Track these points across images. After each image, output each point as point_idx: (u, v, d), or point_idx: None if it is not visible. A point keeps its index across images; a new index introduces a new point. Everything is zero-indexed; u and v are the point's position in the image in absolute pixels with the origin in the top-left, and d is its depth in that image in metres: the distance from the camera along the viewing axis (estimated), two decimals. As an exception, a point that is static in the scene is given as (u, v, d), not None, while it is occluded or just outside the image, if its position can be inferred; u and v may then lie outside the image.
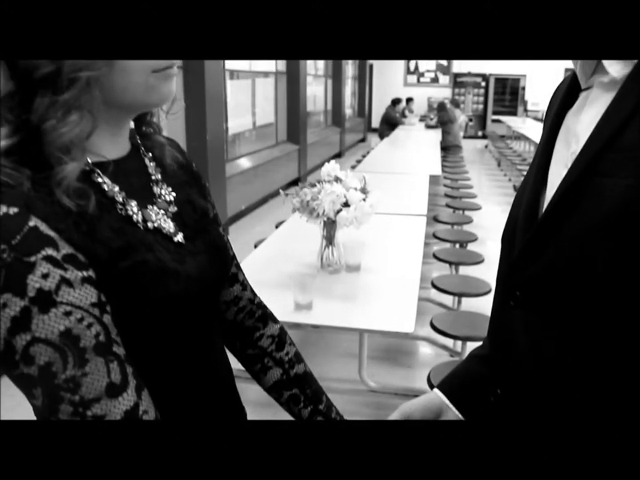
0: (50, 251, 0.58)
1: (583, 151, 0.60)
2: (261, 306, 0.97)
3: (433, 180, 5.53)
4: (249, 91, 7.52)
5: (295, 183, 8.52)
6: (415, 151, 7.52)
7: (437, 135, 9.53)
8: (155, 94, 0.71)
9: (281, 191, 2.39)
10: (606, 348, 0.59)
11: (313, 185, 2.27)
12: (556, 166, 0.68)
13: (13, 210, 0.57)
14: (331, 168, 2.32)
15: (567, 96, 0.71)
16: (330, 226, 2.31)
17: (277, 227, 3.79)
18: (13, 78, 0.61)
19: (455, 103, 11.07)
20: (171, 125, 0.85)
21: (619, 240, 0.55)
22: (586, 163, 0.59)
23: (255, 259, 2.64)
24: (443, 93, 16.16)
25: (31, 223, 0.58)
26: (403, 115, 12.46)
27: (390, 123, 11.26)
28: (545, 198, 0.68)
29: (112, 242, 0.65)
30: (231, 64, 6.54)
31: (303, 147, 9.04)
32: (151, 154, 0.81)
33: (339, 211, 2.21)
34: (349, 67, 13.98)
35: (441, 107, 10.13)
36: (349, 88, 14.05)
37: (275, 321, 0.98)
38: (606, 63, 0.60)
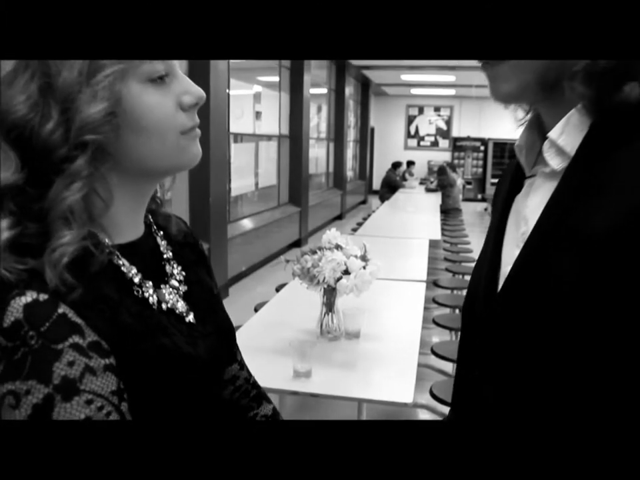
0: (76, 339, 0.58)
1: (533, 232, 0.66)
2: (256, 385, 0.97)
3: (433, 244, 5.57)
4: (252, 154, 7.66)
5: (296, 244, 8.58)
6: (415, 215, 7.60)
7: (437, 198, 9.65)
8: (187, 155, 0.72)
9: (282, 257, 2.42)
10: (566, 419, 0.62)
11: (314, 252, 2.30)
12: (508, 245, 0.74)
13: (43, 297, 0.58)
14: (332, 235, 2.35)
15: (513, 182, 0.78)
16: (330, 293, 2.33)
17: (277, 290, 3.80)
18: (25, 167, 0.62)
19: (452, 167, 11.23)
20: (175, 186, 0.89)
21: (569, 314, 0.59)
22: (536, 244, 0.65)
23: (255, 324, 2.65)
24: (442, 156, 16.42)
25: (60, 310, 0.58)
26: (404, 178, 12.64)
27: (390, 186, 11.41)
28: (501, 275, 0.73)
29: (131, 328, 0.65)
30: (235, 128, 6.68)
31: (304, 208, 9.13)
32: (161, 232, 0.83)
33: (339, 279, 2.23)
34: (351, 131, 14.26)
35: (441, 170, 10.30)
36: (350, 151, 14.29)
37: (269, 401, 0.98)
38: (547, 156, 0.67)
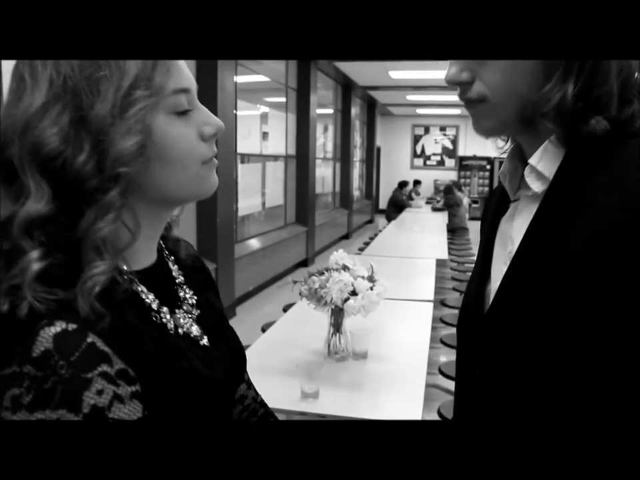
0: (105, 367, 0.59)
1: (518, 251, 0.71)
2: (263, 404, 0.98)
3: (440, 263, 5.57)
4: (259, 174, 7.70)
5: (302, 264, 8.58)
6: (421, 234, 7.60)
7: (443, 217, 9.65)
8: (206, 184, 0.74)
9: (289, 277, 2.43)
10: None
11: (321, 273, 2.31)
12: (496, 264, 0.80)
13: (72, 326, 0.58)
14: (339, 256, 2.37)
15: (499, 204, 0.85)
16: (337, 314, 2.33)
17: (284, 310, 3.81)
18: (56, 199, 0.63)
19: (459, 186, 11.24)
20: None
21: (554, 328, 0.63)
22: (521, 262, 0.70)
23: (262, 344, 2.65)
24: (449, 175, 16.46)
25: (89, 340, 0.59)
26: (410, 198, 12.66)
27: (397, 205, 11.44)
28: (490, 291, 0.78)
29: (153, 354, 0.66)
30: (242, 148, 6.73)
31: (311, 228, 9.15)
32: (172, 257, 0.84)
33: (346, 300, 2.24)
34: (357, 150, 14.32)
35: (448, 189, 10.31)
36: (356, 170, 14.33)
37: (276, 419, 0.99)
38: (528, 180, 0.73)
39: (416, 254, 5.71)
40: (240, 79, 6.50)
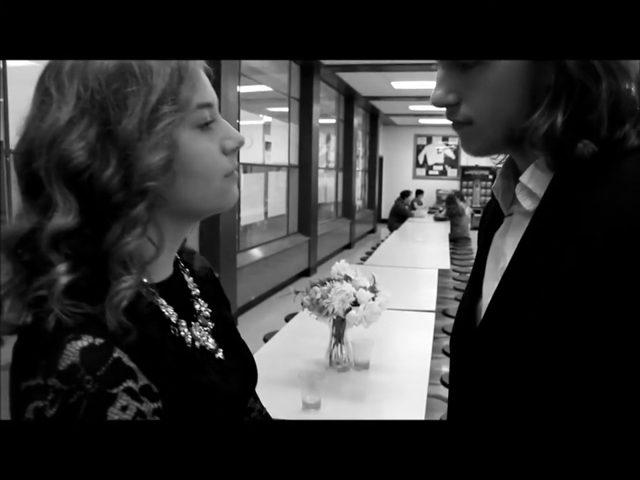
0: (130, 383, 0.59)
1: (509, 267, 0.71)
2: (268, 417, 0.99)
3: (442, 272, 5.56)
4: (261, 184, 7.72)
5: (305, 273, 8.58)
6: (424, 244, 7.60)
7: (445, 227, 9.65)
8: (229, 196, 0.74)
9: (290, 288, 2.43)
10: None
11: (323, 283, 2.31)
12: (488, 279, 0.79)
13: (99, 341, 0.58)
14: (341, 267, 2.37)
15: (493, 219, 0.84)
16: (339, 324, 2.33)
17: (286, 320, 3.80)
18: (82, 212, 0.63)
19: (461, 196, 11.24)
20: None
21: (544, 346, 0.63)
22: (512, 278, 0.69)
23: (264, 355, 2.65)
24: (451, 185, 16.47)
25: (115, 355, 0.59)
26: (412, 207, 12.65)
27: (399, 215, 11.44)
28: (482, 307, 0.77)
29: (173, 368, 0.66)
30: (245, 158, 6.75)
31: (313, 238, 9.16)
32: (187, 269, 0.84)
33: (348, 310, 2.24)
34: (360, 160, 14.35)
35: (450, 199, 10.30)
36: (359, 180, 14.36)
37: None
38: (519, 198, 0.72)
39: (418, 264, 5.72)
40: (243, 89, 6.53)
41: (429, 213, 12.81)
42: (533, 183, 0.71)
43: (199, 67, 0.72)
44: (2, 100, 3.35)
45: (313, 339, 2.65)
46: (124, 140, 0.63)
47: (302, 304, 2.32)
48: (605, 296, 0.58)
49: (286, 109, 8.52)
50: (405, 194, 12.61)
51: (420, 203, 13.44)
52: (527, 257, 0.68)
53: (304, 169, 9.02)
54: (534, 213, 0.70)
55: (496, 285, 0.72)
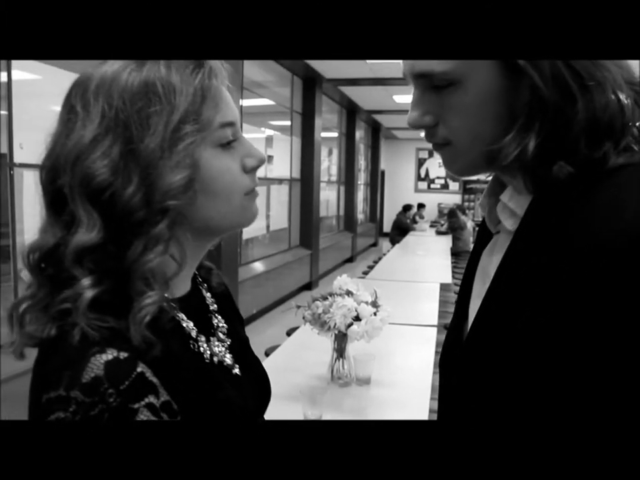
0: (152, 398, 0.59)
1: (491, 287, 0.69)
2: None
3: (444, 287, 5.56)
4: (263, 197, 7.73)
5: (306, 287, 8.57)
6: (425, 258, 7.60)
7: (447, 241, 9.64)
8: (249, 214, 0.76)
9: (292, 302, 2.43)
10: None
11: (325, 298, 2.31)
12: (475, 299, 0.78)
13: (123, 355, 0.59)
14: (343, 281, 2.37)
15: (481, 236, 0.83)
16: (341, 339, 2.33)
17: (288, 334, 3.80)
18: (105, 228, 0.64)
19: (462, 210, 11.24)
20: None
21: (526, 365, 0.61)
22: (494, 299, 0.68)
23: (266, 369, 2.64)
24: (453, 199, 16.50)
25: (139, 369, 0.59)
26: (414, 221, 12.66)
27: (401, 229, 11.45)
28: (469, 326, 0.75)
29: (193, 384, 0.67)
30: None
31: (315, 251, 9.16)
32: (205, 285, 0.85)
33: (350, 325, 2.24)
34: (361, 174, 14.37)
35: (452, 213, 10.30)
36: (361, 193, 14.38)
37: None
38: (501, 217, 0.71)
39: (420, 278, 5.71)
40: (245, 102, 6.56)
41: (431, 226, 12.81)
42: (513, 202, 0.70)
43: (222, 85, 0.72)
44: (7, 113, 3.38)
45: (314, 353, 2.65)
46: (146, 158, 0.64)
47: (303, 318, 2.32)
48: (585, 318, 0.57)
49: (288, 123, 8.55)
50: (406, 207, 12.64)
51: (422, 217, 13.44)
52: (507, 278, 0.67)
53: (306, 183, 9.04)
54: (514, 233, 0.68)
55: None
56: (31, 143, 3.50)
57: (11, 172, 3.44)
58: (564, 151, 0.63)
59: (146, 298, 0.63)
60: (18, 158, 3.45)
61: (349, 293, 2.32)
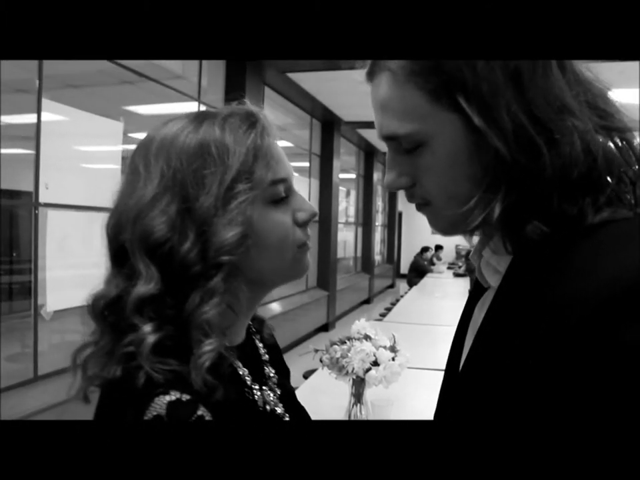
0: None
1: (476, 340, 0.67)
2: None
3: (462, 331, 5.51)
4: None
5: (323, 328, 8.54)
6: (443, 300, 7.55)
7: (465, 283, 9.55)
8: (301, 267, 0.77)
9: (310, 346, 2.43)
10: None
11: (343, 342, 2.30)
12: (466, 351, 0.76)
13: (186, 397, 0.61)
14: (361, 325, 2.36)
15: (475, 290, 0.82)
16: (359, 384, 2.31)
17: (305, 377, 3.77)
18: (163, 280, 0.67)
19: (480, 253, 11.14)
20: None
21: (514, 406, 0.59)
22: (479, 351, 0.66)
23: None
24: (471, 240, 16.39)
25: (199, 412, 0.61)
26: (432, 263, 12.61)
27: (418, 271, 11.40)
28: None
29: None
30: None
31: (332, 292, 9.14)
32: (258, 335, 0.87)
33: (368, 370, 2.23)
34: (379, 215, 14.42)
35: (469, 255, 10.24)
36: (378, 235, 14.40)
37: None
38: (485, 273, 0.71)
39: (437, 321, 5.66)
40: (265, 145, 6.64)
41: (448, 268, 12.72)
42: (495, 258, 0.69)
43: (274, 142, 0.75)
44: (35, 153, 3.46)
45: (331, 397, 2.63)
46: (201, 216, 0.68)
47: (321, 361, 2.31)
48: (557, 374, 0.54)
49: (307, 164, 8.65)
50: (424, 249, 12.61)
51: (439, 259, 13.39)
52: (490, 332, 0.65)
53: (324, 224, 9.08)
54: (496, 290, 0.67)
55: None
56: (56, 183, 3.58)
57: (36, 211, 3.50)
58: (538, 209, 0.61)
59: (206, 345, 0.65)
60: (43, 198, 3.52)
61: (367, 337, 2.31)
